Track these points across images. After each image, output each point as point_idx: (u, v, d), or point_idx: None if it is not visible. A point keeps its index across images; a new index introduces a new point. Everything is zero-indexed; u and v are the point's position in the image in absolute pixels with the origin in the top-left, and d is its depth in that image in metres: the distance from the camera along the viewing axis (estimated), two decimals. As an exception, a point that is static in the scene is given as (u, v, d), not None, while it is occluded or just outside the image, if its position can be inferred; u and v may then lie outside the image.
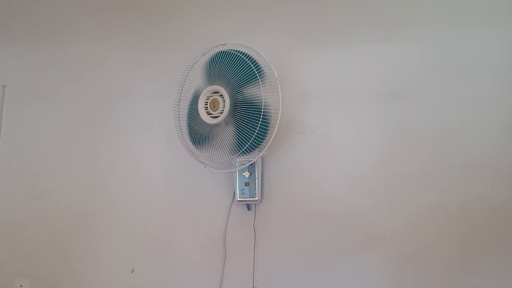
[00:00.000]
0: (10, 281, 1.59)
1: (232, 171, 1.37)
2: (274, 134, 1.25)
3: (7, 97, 1.71)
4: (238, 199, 1.37)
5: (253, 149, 1.27)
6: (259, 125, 1.23)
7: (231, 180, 1.42)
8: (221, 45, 1.33)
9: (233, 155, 1.28)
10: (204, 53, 1.35)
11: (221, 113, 1.26)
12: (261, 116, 1.23)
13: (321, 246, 1.34)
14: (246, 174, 1.36)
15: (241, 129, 1.26)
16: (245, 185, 1.36)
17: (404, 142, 1.31)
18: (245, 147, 1.25)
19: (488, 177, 1.23)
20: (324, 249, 1.34)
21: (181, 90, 1.37)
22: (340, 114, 1.37)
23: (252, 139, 1.24)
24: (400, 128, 1.31)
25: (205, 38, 1.51)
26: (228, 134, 1.29)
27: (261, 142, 1.27)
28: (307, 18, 1.44)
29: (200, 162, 1.36)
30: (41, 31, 1.74)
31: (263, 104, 1.24)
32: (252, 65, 1.26)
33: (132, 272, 1.50)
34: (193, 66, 1.36)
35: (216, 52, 1.32)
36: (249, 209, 1.41)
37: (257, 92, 1.26)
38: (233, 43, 1.32)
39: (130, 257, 1.51)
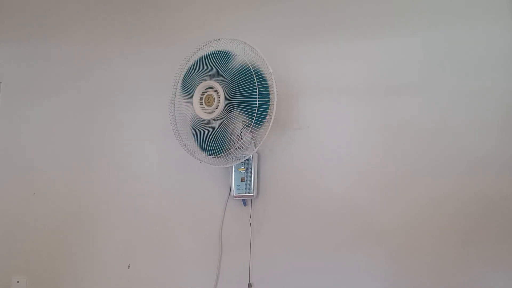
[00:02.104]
0: (7, 277, 1.60)
1: (228, 167, 1.37)
2: (269, 128, 1.25)
3: (3, 93, 1.71)
4: (234, 195, 1.36)
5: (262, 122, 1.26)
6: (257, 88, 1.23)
7: (227, 175, 1.42)
8: (216, 40, 1.33)
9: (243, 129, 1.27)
10: (199, 48, 1.35)
11: (216, 108, 1.25)
12: (255, 77, 1.23)
13: (317, 242, 1.34)
14: (242, 169, 1.36)
15: (243, 104, 1.25)
16: (241, 181, 1.36)
17: (402, 137, 1.30)
18: (253, 122, 1.24)
19: (489, 172, 1.22)
20: (321, 244, 1.33)
21: (176, 86, 1.37)
22: (337, 109, 1.37)
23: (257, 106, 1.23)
24: (398, 123, 1.31)
25: (200, 33, 1.50)
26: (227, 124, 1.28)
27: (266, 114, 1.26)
28: (303, 13, 1.43)
29: (195, 157, 1.35)
30: (37, 27, 1.74)
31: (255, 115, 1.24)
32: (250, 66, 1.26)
33: (128, 268, 1.50)
34: (188, 61, 1.35)
35: (207, 52, 1.32)
36: (245, 204, 1.41)
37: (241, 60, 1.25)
38: (228, 38, 1.32)
39: (127, 253, 1.51)
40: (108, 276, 1.52)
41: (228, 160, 1.31)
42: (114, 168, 1.57)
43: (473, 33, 1.28)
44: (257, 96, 1.23)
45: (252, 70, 1.24)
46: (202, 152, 1.32)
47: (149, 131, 1.55)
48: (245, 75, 1.24)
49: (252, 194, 1.35)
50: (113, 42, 1.64)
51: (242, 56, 1.27)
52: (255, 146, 1.28)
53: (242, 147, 1.29)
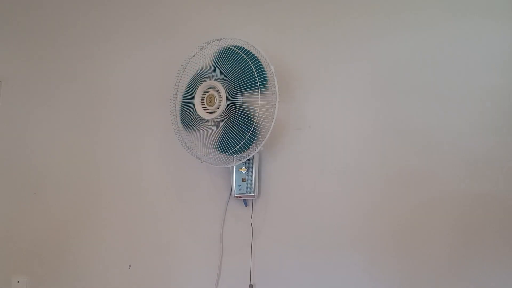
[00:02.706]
0: (8, 277, 1.60)
1: (229, 167, 1.36)
2: (270, 129, 1.24)
3: (3, 93, 1.71)
4: (235, 195, 1.36)
5: (246, 149, 1.27)
6: (251, 131, 1.23)
7: (228, 176, 1.41)
8: (218, 40, 1.32)
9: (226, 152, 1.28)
10: (201, 48, 1.34)
11: (218, 108, 1.25)
12: (253, 126, 1.24)
13: (318, 242, 1.33)
14: (243, 169, 1.35)
15: (233, 130, 1.26)
16: (242, 181, 1.36)
17: (403, 138, 1.29)
18: (238, 146, 1.25)
19: (490, 172, 1.21)
20: (322, 245, 1.33)
21: (177, 86, 1.37)
22: (338, 109, 1.36)
23: (245, 140, 1.24)
24: (398, 123, 1.30)
25: (202, 33, 1.50)
26: (222, 130, 1.29)
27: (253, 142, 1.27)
28: (304, 13, 1.43)
29: (196, 157, 1.35)
30: (37, 28, 1.74)
31: (256, 117, 1.24)
32: (252, 66, 1.24)
33: (129, 268, 1.50)
34: (189, 61, 1.35)
35: (221, 48, 1.31)
36: (246, 205, 1.41)
37: (253, 101, 1.25)
38: (229, 38, 1.31)
39: (127, 253, 1.51)
40: (108, 276, 1.52)
41: (229, 160, 1.31)
42: (115, 168, 1.57)
43: (474, 33, 1.27)
44: (259, 89, 1.23)
45: (252, 67, 1.23)
46: (219, 153, 1.31)
47: (150, 131, 1.55)
48: (246, 73, 1.24)
49: (253, 194, 1.35)
50: (114, 42, 1.64)
51: (243, 54, 1.26)
52: (257, 146, 1.28)
53: (244, 147, 1.29)
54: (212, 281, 1.41)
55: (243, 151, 1.27)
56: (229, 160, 1.31)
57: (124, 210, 1.53)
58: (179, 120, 1.37)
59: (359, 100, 1.34)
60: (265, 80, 1.25)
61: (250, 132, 1.23)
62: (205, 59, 1.33)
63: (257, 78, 1.23)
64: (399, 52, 1.32)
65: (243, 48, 1.27)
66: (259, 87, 1.23)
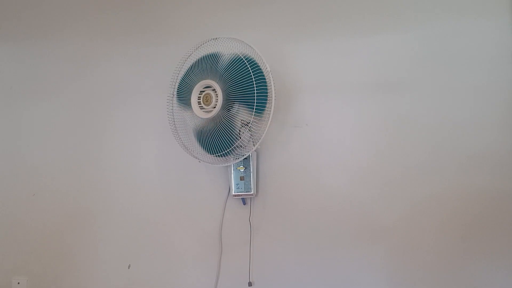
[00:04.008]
0: (8, 278, 1.60)
1: (227, 166, 1.37)
2: (267, 126, 1.24)
3: (1, 95, 1.71)
4: (234, 194, 1.36)
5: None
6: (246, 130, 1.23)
7: (226, 174, 1.41)
8: (214, 39, 1.33)
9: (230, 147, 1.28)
10: (197, 48, 1.35)
11: (214, 107, 1.25)
12: (250, 125, 1.24)
13: (317, 240, 1.34)
14: (241, 168, 1.36)
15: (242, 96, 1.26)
16: (240, 180, 1.36)
17: (400, 134, 1.30)
18: (253, 110, 1.24)
19: (488, 168, 1.22)
20: (321, 242, 1.33)
21: (174, 85, 1.37)
22: (335, 106, 1.36)
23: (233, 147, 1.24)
24: (396, 120, 1.30)
25: (198, 32, 1.50)
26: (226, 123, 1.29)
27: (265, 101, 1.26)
28: (300, 10, 1.43)
29: (194, 157, 1.35)
30: (34, 30, 1.73)
31: (253, 115, 1.24)
32: (248, 66, 1.25)
33: (128, 268, 1.51)
34: (185, 60, 1.35)
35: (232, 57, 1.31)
36: (244, 203, 1.41)
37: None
38: (225, 37, 1.31)
39: (127, 253, 1.52)
40: (108, 277, 1.53)
41: (227, 159, 1.31)
42: (114, 168, 1.57)
43: (470, 28, 1.27)
44: (255, 90, 1.23)
45: (248, 65, 1.24)
46: (204, 152, 1.32)
47: (148, 130, 1.55)
48: (241, 71, 1.24)
49: (252, 192, 1.35)
50: (110, 42, 1.63)
51: (239, 53, 1.27)
52: (254, 145, 1.28)
53: (241, 146, 1.29)
54: (211, 280, 1.41)
55: (241, 149, 1.27)
56: (226, 159, 1.31)
57: (123, 210, 1.54)
58: (175, 98, 1.36)
59: (357, 97, 1.34)
60: (263, 80, 1.25)
61: (247, 130, 1.23)
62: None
63: (253, 77, 1.23)
64: (398, 49, 1.32)
65: (249, 58, 1.28)
66: (255, 86, 1.23)
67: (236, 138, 1.26)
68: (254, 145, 1.28)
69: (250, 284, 1.37)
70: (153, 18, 1.60)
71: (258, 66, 1.26)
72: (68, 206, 1.59)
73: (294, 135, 1.39)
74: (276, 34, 1.44)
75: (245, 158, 1.33)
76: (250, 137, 1.28)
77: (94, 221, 1.56)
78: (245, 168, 1.35)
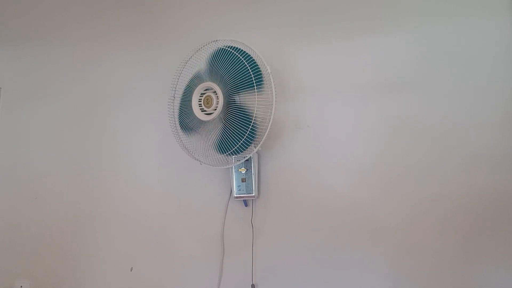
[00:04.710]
0: (10, 281, 1.60)
1: (229, 168, 1.37)
2: (268, 129, 1.24)
3: (3, 99, 1.72)
4: (235, 196, 1.36)
5: (245, 149, 1.27)
6: (249, 130, 1.24)
7: (228, 176, 1.41)
8: (214, 41, 1.33)
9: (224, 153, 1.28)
10: (197, 50, 1.35)
11: (215, 109, 1.25)
12: (251, 126, 1.24)
13: (319, 241, 1.34)
14: (243, 170, 1.36)
15: (231, 130, 1.26)
16: (242, 181, 1.36)
17: (402, 135, 1.30)
18: (235, 147, 1.25)
19: (489, 168, 1.22)
20: (323, 243, 1.33)
21: (175, 88, 1.37)
22: (336, 107, 1.37)
23: (243, 139, 1.24)
24: (397, 120, 1.30)
25: (198, 34, 1.50)
26: (221, 131, 1.29)
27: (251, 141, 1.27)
28: (301, 11, 1.43)
29: (195, 159, 1.35)
30: (36, 32, 1.74)
31: (254, 117, 1.24)
32: (248, 66, 1.25)
33: (131, 271, 1.51)
34: (186, 63, 1.36)
35: (215, 49, 1.31)
36: (246, 205, 1.41)
37: (251, 101, 1.25)
38: (225, 39, 1.31)
39: (129, 256, 1.51)
40: (110, 279, 1.52)
41: (228, 161, 1.31)
42: (115, 170, 1.57)
43: (471, 29, 1.27)
44: (255, 87, 1.23)
45: (249, 68, 1.24)
46: (219, 153, 1.32)
47: (149, 133, 1.55)
48: (242, 74, 1.24)
49: (253, 194, 1.35)
50: (111, 45, 1.64)
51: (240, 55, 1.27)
52: (255, 146, 1.28)
53: (242, 148, 1.29)
54: (214, 282, 1.41)
55: (242, 151, 1.27)
56: (228, 160, 1.31)
57: (125, 213, 1.54)
58: (178, 124, 1.37)
59: (358, 98, 1.34)
60: (261, 80, 1.25)
61: (248, 132, 1.23)
62: (201, 61, 1.33)
63: (253, 78, 1.23)
64: (398, 49, 1.32)
65: (238, 48, 1.27)
66: (255, 87, 1.23)
67: (248, 126, 1.25)
68: (255, 147, 1.28)
69: (253, 286, 1.37)
70: (153, 21, 1.60)
71: (255, 62, 1.26)
72: (70, 209, 1.59)
73: (296, 137, 1.39)
74: (276, 35, 1.44)
75: (247, 160, 1.33)
76: (257, 131, 1.28)
77: (96, 224, 1.56)
78: (247, 170, 1.35)
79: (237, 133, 1.24)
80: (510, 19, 1.23)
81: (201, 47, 1.35)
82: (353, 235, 1.31)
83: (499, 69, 1.24)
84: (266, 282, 1.37)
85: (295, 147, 1.39)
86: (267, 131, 1.25)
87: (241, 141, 1.24)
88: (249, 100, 1.26)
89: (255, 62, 1.26)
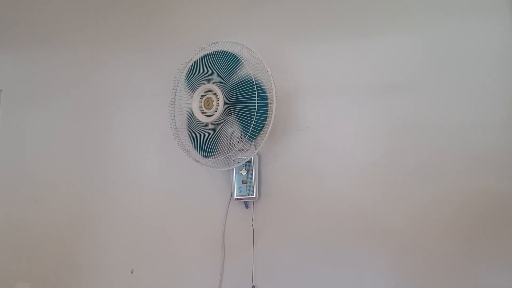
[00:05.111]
0: (11, 284, 1.60)
1: (229, 169, 1.37)
2: (269, 130, 1.24)
3: (4, 101, 1.72)
4: (236, 197, 1.36)
5: (257, 134, 1.26)
6: (249, 133, 1.23)
7: (229, 178, 1.41)
8: (214, 43, 1.33)
9: (238, 143, 1.28)
10: (197, 52, 1.35)
11: (216, 111, 1.26)
12: (251, 128, 1.24)
13: (320, 243, 1.33)
14: (243, 172, 1.35)
15: (241, 115, 1.26)
16: (243, 183, 1.36)
17: (403, 136, 1.29)
18: (249, 132, 1.24)
19: (492, 170, 1.21)
20: (324, 245, 1.33)
21: (175, 90, 1.37)
22: (336, 109, 1.36)
23: (254, 121, 1.23)
24: (398, 122, 1.30)
25: (199, 37, 1.51)
26: (226, 128, 1.28)
27: (263, 126, 1.26)
28: (301, 13, 1.43)
29: (196, 161, 1.35)
30: (37, 35, 1.74)
31: (254, 118, 1.24)
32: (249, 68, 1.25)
33: (132, 273, 1.50)
34: (186, 65, 1.36)
35: (201, 55, 1.31)
36: (247, 207, 1.41)
37: (245, 72, 1.25)
38: (226, 41, 1.32)
39: (130, 258, 1.51)
40: (111, 281, 1.52)
41: (228, 162, 1.31)
42: (116, 173, 1.57)
43: (472, 30, 1.27)
44: (256, 108, 1.23)
45: (254, 81, 1.24)
46: (198, 154, 1.32)
47: (149, 135, 1.55)
48: (245, 85, 1.25)
49: (254, 196, 1.35)
50: (111, 47, 1.64)
51: (245, 64, 1.27)
52: (255, 148, 1.28)
53: (243, 149, 1.29)
54: (214, 284, 1.41)
55: (242, 153, 1.27)
56: (228, 162, 1.31)
57: (126, 216, 1.54)
58: (185, 81, 1.36)
59: (359, 99, 1.34)
60: (262, 85, 1.25)
61: (249, 133, 1.23)
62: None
63: (253, 80, 1.23)
64: (399, 51, 1.32)
65: (232, 54, 1.27)
66: (255, 88, 1.23)
67: (238, 141, 1.26)
68: (255, 149, 1.28)
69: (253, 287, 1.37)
70: (154, 23, 1.60)
71: (261, 82, 1.27)
72: (71, 211, 1.59)
73: (296, 138, 1.39)
74: (277, 37, 1.44)
75: (247, 162, 1.33)
76: (251, 141, 1.28)
77: (97, 226, 1.56)
78: (247, 171, 1.35)
79: (245, 118, 1.24)
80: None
81: (202, 49, 1.35)
82: (354, 237, 1.30)
83: (502, 71, 1.23)
84: (267, 283, 1.37)
85: (295, 148, 1.39)
86: (268, 132, 1.25)
87: (241, 143, 1.24)
88: (249, 102, 1.25)
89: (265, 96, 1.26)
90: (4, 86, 1.73)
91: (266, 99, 1.25)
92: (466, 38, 1.27)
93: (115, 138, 1.59)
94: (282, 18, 1.45)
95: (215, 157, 1.30)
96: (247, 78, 1.25)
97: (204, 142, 1.30)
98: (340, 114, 1.36)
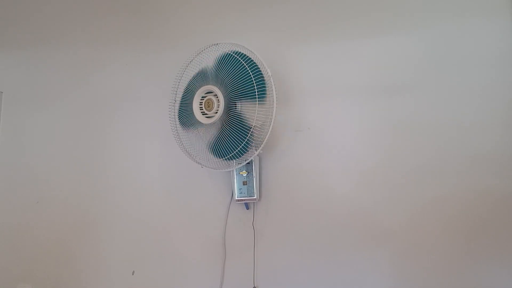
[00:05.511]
0: (12, 285, 1.60)
1: (230, 171, 1.37)
2: (269, 132, 1.24)
3: (5, 103, 1.72)
4: (237, 199, 1.36)
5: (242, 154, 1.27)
6: (248, 136, 1.23)
7: (229, 179, 1.41)
8: (214, 44, 1.33)
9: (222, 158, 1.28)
10: (198, 53, 1.35)
11: (216, 113, 1.26)
12: (251, 130, 1.24)
13: (321, 244, 1.33)
14: (244, 173, 1.36)
15: (230, 136, 1.26)
16: (243, 184, 1.36)
17: (403, 137, 1.29)
18: (234, 152, 1.25)
19: (492, 170, 1.21)
20: (325, 246, 1.33)
21: (176, 91, 1.37)
22: (336, 110, 1.37)
23: (241, 146, 1.24)
24: (399, 122, 1.30)
25: (199, 38, 1.51)
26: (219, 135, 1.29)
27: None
28: (301, 14, 1.43)
29: (197, 162, 1.35)
30: (37, 37, 1.75)
31: (255, 120, 1.23)
32: (251, 73, 1.24)
33: (133, 274, 1.50)
34: (187, 66, 1.36)
35: (221, 54, 1.31)
36: (247, 208, 1.41)
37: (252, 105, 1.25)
38: (226, 43, 1.32)
39: (131, 259, 1.51)
40: (112, 283, 1.52)
41: (229, 164, 1.31)
42: (116, 174, 1.57)
43: (472, 30, 1.27)
44: (257, 99, 1.23)
45: (251, 73, 1.24)
46: (213, 156, 1.32)
47: (150, 136, 1.55)
48: (243, 78, 1.24)
49: (255, 197, 1.35)
50: (112, 49, 1.64)
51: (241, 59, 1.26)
52: (256, 149, 1.28)
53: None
54: (215, 285, 1.41)
55: (242, 155, 1.27)
56: (229, 164, 1.31)
57: (127, 217, 1.54)
58: (177, 120, 1.36)
59: (360, 100, 1.34)
60: (263, 84, 1.25)
61: (248, 136, 1.23)
62: (206, 62, 1.34)
63: (254, 82, 1.23)
64: (398, 51, 1.33)
65: (240, 53, 1.27)
66: (256, 91, 1.23)
67: (249, 130, 1.25)
68: (256, 150, 1.28)
69: (254, 289, 1.37)
70: (155, 25, 1.61)
71: (256, 66, 1.26)
72: (72, 212, 1.59)
73: (296, 139, 1.39)
74: (277, 38, 1.44)
75: (248, 163, 1.33)
76: (252, 141, 1.28)
77: (98, 228, 1.56)
78: (248, 172, 1.35)
79: (237, 137, 1.24)
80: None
81: (202, 50, 1.35)
82: (355, 238, 1.30)
83: (503, 71, 1.23)
84: (267, 285, 1.37)
85: (296, 149, 1.39)
86: (268, 134, 1.24)
87: (241, 146, 1.24)
88: (250, 104, 1.25)
89: (257, 66, 1.26)
90: (5, 88, 1.74)
91: (265, 85, 1.25)
92: (466, 38, 1.27)
93: (116, 139, 1.59)
94: (283, 19, 1.45)
95: (214, 159, 1.30)
96: (248, 79, 1.24)
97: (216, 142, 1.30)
98: (340, 114, 1.36)
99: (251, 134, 1.24)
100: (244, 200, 1.36)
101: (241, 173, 1.35)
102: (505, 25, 1.25)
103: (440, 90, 1.28)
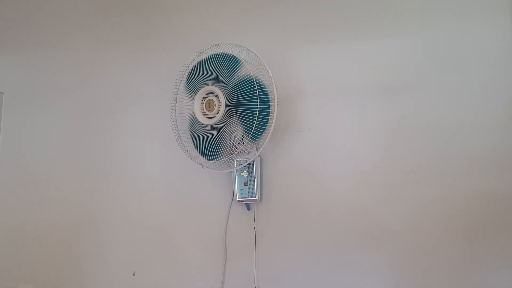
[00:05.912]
0: (13, 286, 1.60)
1: (231, 171, 1.37)
2: (270, 132, 1.24)
3: (5, 104, 1.72)
4: (238, 199, 1.36)
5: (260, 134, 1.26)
6: (250, 136, 1.23)
7: (230, 180, 1.41)
8: (216, 45, 1.33)
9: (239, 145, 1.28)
10: (199, 54, 1.35)
11: (217, 113, 1.26)
12: (252, 130, 1.24)
13: (322, 244, 1.33)
14: (245, 173, 1.36)
15: (243, 117, 1.26)
16: (244, 185, 1.36)
17: (404, 137, 1.29)
18: (250, 134, 1.24)
19: (492, 170, 1.21)
20: (326, 247, 1.33)
21: (177, 92, 1.37)
22: (337, 110, 1.37)
23: (256, 119, 1.23)
24: (399, 123, 1.30)
25: (200, 39, 1.51)
26: (228, 130, 1.28)
27: (265, 127, 1.26)
28: (302, 14, 1.43)
29: (197, 163, 1.35)
30: (38, 37, 1.74)
31: (256, 120, 1.24)
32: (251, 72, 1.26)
33: (133, 275, 1.50)
34: (188, 67, 1.36)
35: (201, 59, 1.32)
36: (248, 208, 1.41)
37: (246, 73, 1.25)
38: (227, 43, 1.32)
39: (132, 260, 1.51)
40: (113, 283, 1.52)
41: (230, 164, 1.31)
42: (117, 175, 1.57)
43: (472, 30, 1.27)
44: (257, 107, 1.23)
45: (254, 81, 1.24)
46: (201, 157, 1.32)
47: (151, 137, 1.55)
48: (246, 85, 1.25)
49: (256, 198, 1.35)
50: (113, 49, 1.64)
51: (246, 64, 1.27)
52: (257, 150, 1.28)
53: (244, 151, 1.29)
54: (216, 286, 1.41)
55: (244, 155, 1.27)
56: (230, 164, 1.31)
57: (127, 218, 1.54)
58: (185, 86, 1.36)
59: (360, 101, 1.34)
60: (263, 85, 1.25)
61: (250, 135, 1.23)
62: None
63: (255, 83, 1.23)
64: (400, 52, 1.32)
65: (231, 56, 1.28)
66: (257, 92, 1.23)
67: (239, 143, 1.26)
68: (257, 151, 1.28)
69: (255, 289, 1.37)
70: (155, 25, 1.60)
71: (262, 82, 1.27)
72: (73, 214, 1.59)
73: (297, 140, 1.39)
74: (278, 38, 1.44)
75: (249, 164, 1.33)
76: (253, 143, 1.28)
77: (99, 229, 1.56)
78: (249, 173, 1.35)
79: (247, 120, 1.24)
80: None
81: (203, 51, 1.35)
82: (356, 238, 1.30)
83: (503, 71, 1.23)
84: (269, 286, 1.37)
85: (297, 150, 1.39)
86: (269, 134, 1.25)
87: (242, 146, 1.24)
88: (251, 104, 1.25)
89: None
90: (6, 88, 1.74)
91: (268, 101, 1.25)
92: (466, 39, 1.27)
93: (116, 140, 1.59)
94: (283, 20, 1.45)
95: (217, 160, 1.30)
96: (248, 79, 1.24)
97: (207, 144, 1.30)
98: (341, 115, 1.36)
99: (255, 129, 1.24)
100: (245, 200, 1.36)
101: (242, 173, 1.35)
102: (505, 25, 1.25)
103: (440, 90, 1.28)
